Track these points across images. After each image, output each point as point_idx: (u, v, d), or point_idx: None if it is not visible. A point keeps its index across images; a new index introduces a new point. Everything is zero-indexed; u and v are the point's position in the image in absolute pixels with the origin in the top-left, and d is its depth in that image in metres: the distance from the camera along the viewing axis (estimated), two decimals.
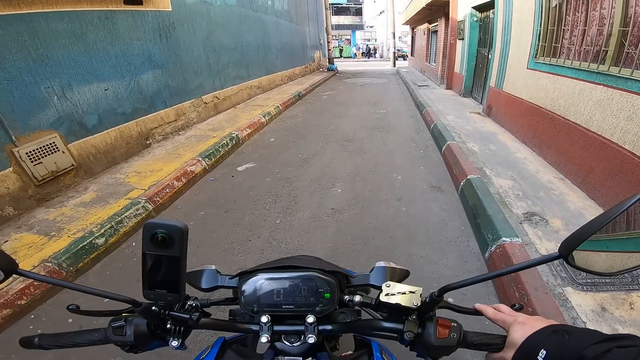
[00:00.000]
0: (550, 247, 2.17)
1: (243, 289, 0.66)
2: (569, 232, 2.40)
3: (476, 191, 2.97)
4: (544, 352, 0.47)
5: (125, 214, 2.79)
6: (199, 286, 0.71)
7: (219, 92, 6.53)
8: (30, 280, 1.99)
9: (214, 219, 2.99)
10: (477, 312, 0.64)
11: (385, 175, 3.86)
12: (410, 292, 0.59)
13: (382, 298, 0.60)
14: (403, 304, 0.58)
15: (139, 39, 4.28)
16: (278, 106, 7.15)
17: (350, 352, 0.90)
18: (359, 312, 0.76)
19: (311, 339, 0.62)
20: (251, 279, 0.66)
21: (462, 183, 3.32)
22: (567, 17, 3.42)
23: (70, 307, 0.58)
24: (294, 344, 0.69)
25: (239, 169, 4.19)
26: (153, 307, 0.56)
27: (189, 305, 0.62)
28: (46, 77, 3.01)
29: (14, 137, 2.76)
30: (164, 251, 0.50)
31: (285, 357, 0.68)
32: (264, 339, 0.63)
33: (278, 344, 0.70)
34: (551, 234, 2.33)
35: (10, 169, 2.74)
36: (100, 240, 2.49)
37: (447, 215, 2.96)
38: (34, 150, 2.89)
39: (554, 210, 2.63)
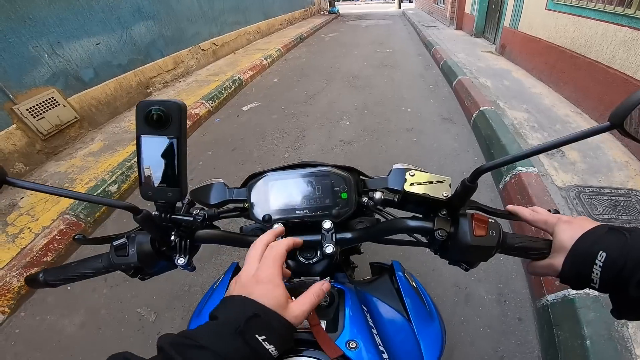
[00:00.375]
0: (566, 178, 2.11)
1: (252, 194, 0.59)
2: (585, 164, 2.29)
3: (490, 122, 2.88)
4: (604, 254, 0.39)
5: (134, 159, 2.79)
6: (206, 202, 0.62)
7: (216, 39, 6.31)
8: (53, 235, 2.00)
9: (223, 157, 2.98)
10: (510, 215, 0.56)
11: (394, 108, 3.74)
12: (438, 181, 0.51)
13: (407, 188, 0.51)
14: (432, 194, 0.50)
15: None
16: (279, 49, 6.83)
17: (368, 277, 0.86)
18: (378, 221, 0.68)
19: (329, 248, 0.55)
20: (260, 181, 0.60)
21: (474, 114, 3.22)
22: None
23: (76, 236, 0.53)
24: (311, 260, 0.62)
25: (244, 108, 4.10)
26: (154, 212, 0.49)
27: (195, 214, 0.55)
28: (32, 37, 2.93)
29: (11, 95, 2.74)
30: (161, 132, 0.43)
31: (302, 277, 0.62)
32: None
33: (292, 263, 0.64)
34: (567, 165, 2.27)
35: (14, 125, 2.74)
36: (113, 187, 2.51)
37: (460, 146, 2.89)
38: (34, 107, 2.87)
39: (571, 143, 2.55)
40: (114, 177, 2.56)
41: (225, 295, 0.42)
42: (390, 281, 0.71)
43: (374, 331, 0.55)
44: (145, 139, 0.44)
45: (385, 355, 0.51)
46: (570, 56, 3.38)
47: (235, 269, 0.75)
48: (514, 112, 3.14)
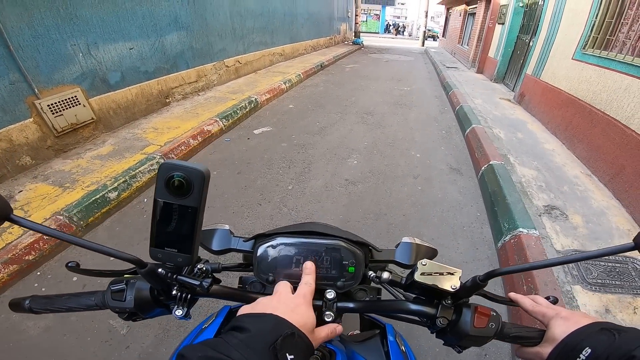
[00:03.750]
0: (566, 243, 2.07)
1: (259, 253, 0.59)
2: (587, 229, 2.26)
3: (497, 177, 2.85)
4: (589, 350, 0.42)
5: (139, 169, 2.81)
6: (210, 247, 0.63)
7: (241, 57, 6.49)
8: (40, 235, 1.97)
9: (226, 179, 2.98)
10: (512, 302, 0.58)
11: (404, 151, 3.74)
12: (449, 273, 0.52)
13: (418, 277, 0.52)
14: (440, 286, 0.51)
15: (166, 0, 4.26)
16: (299, 74, 6.98)
17: (357, 331, 0.86)
18: (379, 291, 0.68)
19: (329, 317, 0.54)
20: (269, 243, 0.59)
21: (483, 168, 3.19)
22: (629, 10, 3.18)
23: (69, 264, 0.50)
24: None
25: (255, 132, 4.14)
26: (159, 270, 0.48)
27: (198, 269, 0.54)
28: (73, 35, 3.04)
29: (36, 90, 2.80)
30: (180, 199, 0.42)
31: None
32: None
33: None
34: (569, 229, 2.23)
35: (31, 119, 2.79)
36: (113, 195, 2.50)
37: (464, 199, 2.85)
38: (55, 103, 2.93)
39: (576, 206, 2.51)
40: (115, 184, 2.56)
41: (248, 312, 0.44)
42: (380, 343, 0.71)
43: None
44: (163, 204, 0.43)
45: None
46: (589, 111, 3.33)
47: (229, 313, 0.73)
48: (524, 169, 3.11)
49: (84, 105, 3.18)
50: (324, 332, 0.48)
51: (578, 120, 3.54)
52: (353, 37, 17.43)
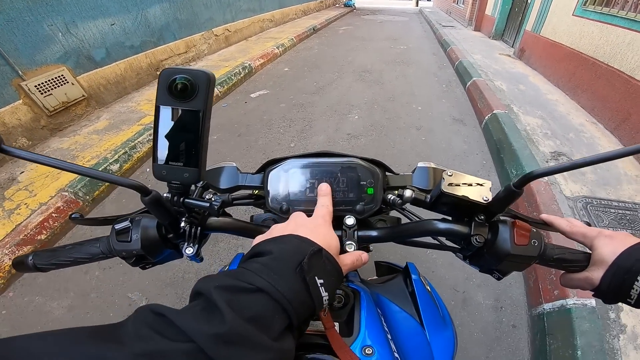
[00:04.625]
0: (575, 189, 2.06)
1: (270, 181, 0.55)
2: (596, 175, 2.26)
3: (502, 126, 2.82)
4: None
5: (138, 140, 2.77)
6: (217, 186, 0.58)
7: (230, 25, 6.26)
8: (50, 212, 1.96)
9: (227, 142, 2.94)
10: (545, 225, 0.52)
11: (405, 105, 3.68)
12: (478, 184, 0.46)
13: (445, 188, 0.46)
14: (471, 197, 0.45)
15: None
16: (292, 38, 6.74)
17: (374, 277, 0.83)
18: (399, 221, 0.63)
19: (350, 247, 0.49)
20: (279, 167, 0.55)
21: (486, 117, 3.15)
22: None
23: (72, 215, 0.48)
24: None
25: (252, 95, 4.06)
26: (165, 195, 0.44)
27: (207, 199, 0.49)
28: (47, 15, 2.92)
29: (20, 72, 2.72)
30: (184, 103, 0.38)
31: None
32: None
33: None
34: (577, 175, 2.22)
35: (20, 101, 2.72)
36: (115, 167, 2.48)
37: (469, 148, 2.83)
38: (42, 83, 2.86)
39: (583, 152, 2.51)
40: (116, 156, 2.53)
41: (265, 239, 0.38)
42: (404, 283, 0.67)
43: (389, 336, 0.51)
44: (165, 110, 0.38)
45: None
46: (592, 64, 3.33)
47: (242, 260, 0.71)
48: (528, 118, 3.08)
49: (73, 84, 3.11)
50: (349, 259, 0.43)
51: (581, 72, 3.54)
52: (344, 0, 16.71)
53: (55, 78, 2.94)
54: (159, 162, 0.40)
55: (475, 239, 0.45)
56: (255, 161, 2.63)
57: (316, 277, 0.33)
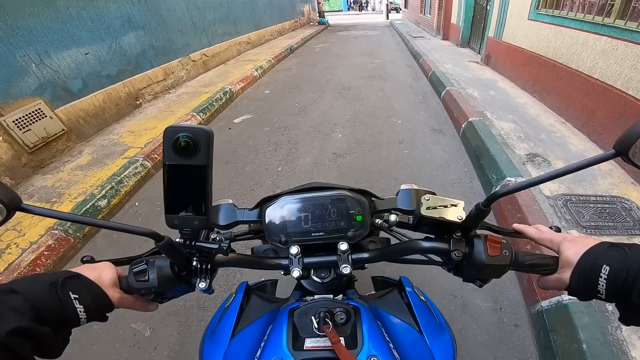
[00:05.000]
0: (553, 187, 2.17)
1: (267, 216, 0.60)
2: (572, 173, 2.40)
3: (478, 133, 2.94)
4: (607, 268, 0.42)
5: (124, 174, 2.74)
6: (217, 223, 0.62)
7: (207, 50, 6.31)
8: (41, 250, 1.95)
9: (215, 170, 2.81)
10: (516, 233, 0.58)
11: (385, 120, 3.79)
12: (452, 205, 0.52)
13: (424, 212, 0.52)
14: (447, 217, 0.51)
15: (114, 1, 4.06)
16: (270, 60, 6.86)
17: (372, 292, 0.87)
18: (388, 241, 0.71)
19: (346, 269, 0.56)
20: (275, 204, 0.60)
21: (463, 125, 3.28)
22: None
23: (84, 258, 0.53)
24: (325, 279, 0.63)
25: (236, 121, 4.09)
26: (177, 240, 0.49)
27: (212, 239, 0.55)
28: (20, 46, 2.89)
29: None
30: (188, 159, 0.42)
31: (316, 296, 0.63)
32: (295, 272, 0.56)
33: (305, 282, 0.66)
34: None
35: (0, 138, 2.66)
36: (103, 202, 2.45)
37: (450, 157, 2.94)
38: (20, 118, 2.80)
39: (556, 152, 2.63)
40: (103, 192, 2.50)
41: None
42: (400, 296, 0.72)
43: (391, 346, 0.56)
44: (172, 167, 0.43)
45: None
46: (553, 66, 3.47)
47: (246, 288, 0.75)
48: (501, 123, 3.22)
49: (51, 117, 3.06)
50: (121, 298, 0.50)
51: (544, 74, 3.68)
52: (318, 18, 17.14)
53: (33, 112, 2.89)
54: (169, 213, 0.45)
55: (454, 253, 0.52)
56: (244, 188, 2.65)
57: (70, 292, 0.41)
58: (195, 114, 3.93)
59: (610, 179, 2.26)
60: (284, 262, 0.60)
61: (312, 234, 0.60)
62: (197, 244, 0.49)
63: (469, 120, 3.22)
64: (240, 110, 4.50)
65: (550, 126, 3.12)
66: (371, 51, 8.35)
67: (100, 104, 3.72)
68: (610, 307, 1.41)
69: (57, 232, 2.11)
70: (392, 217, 0.59)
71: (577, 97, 3.05)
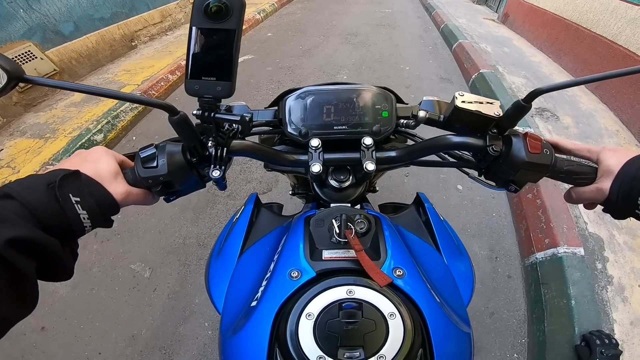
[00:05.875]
0: None
1: (287, 106, 0.56)
2: (578, 129, 2.33)
3: (489, 83, 2.87)
4: None
5: (120, 109, 2.68)
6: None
7: None
8: None
9: None
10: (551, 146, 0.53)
11: (392, 65, 3.66)
12: (488, 102, 0.48)
13: (459, 104, 0.48)
14: (484, 112, 0.47)
15: None
16: (273, 3, 6.46)
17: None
18: (423, 140, 0.65)
19: (370, 165, 0.51)
20: (296, 93, 0.56)
21: (473, 76, 3.20)
22: None
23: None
24: (343, 183, 0.59)
25: None
26: (194, 112, 0.45)
27: (228, 126, 0.49)
28: None
29: None
30: (219, 23, 0.39)
31: (332, 205, 0.58)
32: (315, 167, 0.52)
33: (321, 190, 0.61)
34: (561, 129, 2.31)
35: None
36: (99, 137, 2.41)
37: None
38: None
39: (565, 109, 2.60)
40: (99, 126, 2.45)
41: None
42: (417, 214, 0.69)
43: (414, 260, 0.52)
44: (200, 30, 0.40)
45: (428, 286, 0.49)
46: (576, 29, 3.41)
47: (256, 200, 0.71)
48: (513, 77, 3.15)
49: (42, 58, 2.96)
50: (127, 190, 0.43)
51: (564, 36, 3.61)
52: None
53: (22, 54, 2.81)
54: (190, 77, 0.41)
55: (492, 148, 0.48)
56: None
57: (70, 195, 0.35)
58: None
59: (616, 139, 2.27)
60: (303, 157, 0.55)
61: (335, 127, 0.56)
62: (217, 115, 0.45)
63: (480, 71, 3.15)
64: (242, 51, 4.20)
65: None
66: (380, 0, 7.87)
67: (93, 45, 3.60)
68: (600, 265, 1.42)
69: (51, 167, 2.08)
70: (422, 113, 0.53)
71: (595, 60, 3.04)
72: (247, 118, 0.46)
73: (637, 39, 2.59)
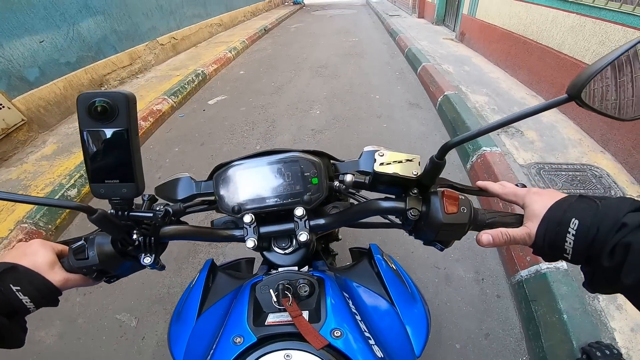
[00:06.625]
0: (527, 156, 2.23)
1: (219, 185, 0.56)
2: (543, 142, 2.40)
3: (454, 106, 2.99)
4: (576, 222, 0.38)
5: None
6: (174, 197, 0.59)
7: (175, 33, 6.04)
8: (12, 246, 1.78)
9: (191, 153, 2.86)
10: (480, 191, 0.54)
11: (363, 95, 3.77)
12: (407, 160, 0.48)
13: (377, 168, 0.49)
14: (402, 173, 0.48)
15: None
16: (244, 41, 6.63)
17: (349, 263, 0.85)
18: (352, 206, 0.67)
19: (303, 236, 0.53)
20: (226, 171, 0.56)
21: (439, 99, 3.32)
22: None
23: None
24: (286, 250, 0.60)
25: (210, 102, 3.96)
26: (110, 211, 0.45)
27: (158, 211, 0.50)
28: None
29: None
30: (107, 124, 0.38)
31: (280, 269, 0.60)
32: (250, 242, 0.54)
33: (268, 255, 0.62)
34: (527, 144, 2.40)
35: None
36: (73, 192, 2.34)
37: (427, 130, 2.97)
38: None
39: (529, 123, 2.70)
40: (72, 181, 2.39)
41: None
42: (370, 265, 0.70)
43: (358, 317, 0.53)
44: (90, 133, 0.39)
45: (371, 341, 0.50)
46: (524, 42, 3.55)
47: (211, 266, 0.72)
48: (476, 96, 3.29)
49: (9, 107, 2.88)
50: (64, 277, 0.47)
51: (515, 50, 3.76)
52: None
53: None
54: (94, 182, 0.42)
55: (411, 212, 0.48)
56: None
57: (11, 285, 0.40)
58: (166, 97, 3.76)
59: (580, 148, 2.34)
60: (238, 232, 0.56)
61: (267, 201, 0.56)
62: (131, 214, 0.46)
63: (445, 93, 3.27)
64: (215, 91, 4.35)
65: (522, 99, 3.21)
66: (347, 30, 8.22)
67: (61, 91, 3.54)
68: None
69: (26, 225, 2.01)
70: (348, 177, 0.55)
71: (547, 71, 3.13)
72: (159, 215, 0.48)
73: (579, 46, 2.67)
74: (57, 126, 3.38)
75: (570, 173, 2.06)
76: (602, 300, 1.36)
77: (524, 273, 1.52)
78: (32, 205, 2.17)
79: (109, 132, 0.39)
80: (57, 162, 2.68)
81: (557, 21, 2.99)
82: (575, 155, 2.24)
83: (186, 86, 4.18)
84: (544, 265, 1.46)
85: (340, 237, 1.11)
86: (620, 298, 1.37)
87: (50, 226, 2.07)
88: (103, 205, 0.44)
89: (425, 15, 8.88)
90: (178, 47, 6.09)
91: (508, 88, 3.50)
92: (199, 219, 1.99)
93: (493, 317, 1.46)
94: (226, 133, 3.13)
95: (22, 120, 2.99)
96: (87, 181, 0.41)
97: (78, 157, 2.69)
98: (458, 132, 2.64)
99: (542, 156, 2.24)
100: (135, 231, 0.48)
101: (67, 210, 2.21)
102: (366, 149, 0.60)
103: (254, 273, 0.72)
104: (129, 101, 0.38)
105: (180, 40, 6.16)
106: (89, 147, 0.40)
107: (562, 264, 1.46)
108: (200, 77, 4.58)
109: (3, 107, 2.81)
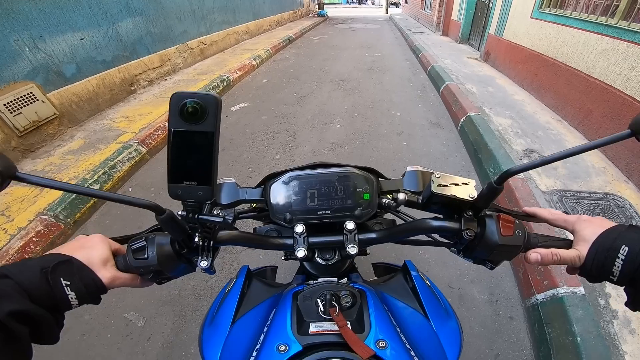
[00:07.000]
0: (549, 183, 2.19)
1: (272, 193, 0.58)
2: (566, 170, 2.36)
3: (477, 127, 2.95)
4: (626, 248, 0.40)
5: (117, 159, 2.69)
6: (218, 202, 0.60)
7: (204, 38, 6.24)
8: (30, 237, 1.89)
9: None
10: (528, 216, 0.56)
11: (384, 112, 3.78)
12: (463, 183, 0.50)
13: (435, 189, 0.50)
14: (459, 196, 0.49)
15: None
16: (268, 49, 6.79)
17: (374, 278, 0.86)
18: (394, 223, 0.68)
19: (353, 249, 0.54)
20: (280, 180, 0.58)
21: (462, 120, 3.29)
22: None
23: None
24: (329, 261, 0.61)
25: (233, 108, 4.04)
26: (180, 212, 0.46)
27: (215, 214, 0.51)
28: (14, 30, 2.84)
29: None
30: (195, 126, 0.39)
31: (320, 279, 0.61)
32: (300, 252, 0.54)
33: (308, 265, 0.64)
34: (550, 170, 2.35)
35: None
36: (95, 187, 2.37)
37: (448, 150, 2.95)
38: (11, 102, 2.75)
39: (552, 148, 2.65)
40: (95, 177, 2.45)
41: None
42: (404, 280, 0.71)
43: (398, 330, 0.55)
44: (178, 133, 0.40)
45: (412, 353, 0.51)
46: (552, 64, 3.50)
47: (247, 273, 0.74)
48: (499, 119, 3.24)
49: (43, 101, 3.00)
50: (115, 275, 0.47)
51: (543, 73, 3.71)
52: (317, 9, 16.99)
53: (24, 96, 2.84)
54: (173, 183, 0.42)
55: (467, 232, 0.50)
56: (242, 175, 2.62)
57: (61, 279, 0.41)
58: None
59: (604, 177, 2.29)
60: (289, 241, 0.57)
61: (318, 212, 0.57)
62: (201, 217, 0.46)
63: (468, 114, 3.24)
64: (238, 98, 4.44)
65: (546, 123, 3.15)
66: (370, 44, 8.30)
67: (93, 89, 3.67)
68: (602, 301, 1.44)
69: (46, 217, 2.06)
70: (401, 196, 0.56)
71: (574, 95, 3.07)
72: (229, 220, 0.48)
73: (611, 70, 2.62)
74: (86, 122, 3.49)
75: (593, 202, 2.02)
76: (616, 325, 1.36)
77: (540, 296, 1.51)
78: (53, 197, 2.24)
79: (195, 134, 0.40)
80: (83, 157, 2.76)
81: (589, 44, 2.95)
82: (598, 184, 2.19)
83: (211, 91, 4.28)
84: (562, 290, 1.45)
85: (369, 251, 1.12)
86: (633, 323, 1.37)
87: (69, 219, 2.13)
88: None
89: (449, 34, 8.90)
90: (206, 52, 6.28)
91: (533, 111, 3.44)
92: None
93: (504, 338, 1.45)
94: (247, 140, 3.17)
95: (54, 114, 3.11)
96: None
97: (103, 153, 2.77)
98: (480, 155, 2.61)
99: (564, 183, 2.20)
100: (197, 234, 0.49)
101: (88, 205, 2.27)
102: (409, 168, 0.62)
103: (288, 282, 0.73)
104: (218, 104, 0.39)
105: (208, 45, 6.35)
106: (174, 146, 0.40)
107: (580, 289, 1.45)
108: (224, 83, 4.69)
109: (37, 100, 2.94)
